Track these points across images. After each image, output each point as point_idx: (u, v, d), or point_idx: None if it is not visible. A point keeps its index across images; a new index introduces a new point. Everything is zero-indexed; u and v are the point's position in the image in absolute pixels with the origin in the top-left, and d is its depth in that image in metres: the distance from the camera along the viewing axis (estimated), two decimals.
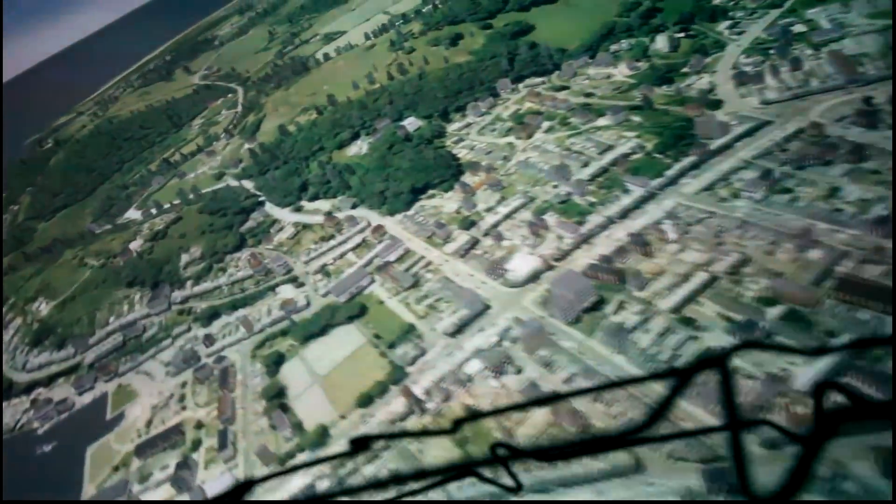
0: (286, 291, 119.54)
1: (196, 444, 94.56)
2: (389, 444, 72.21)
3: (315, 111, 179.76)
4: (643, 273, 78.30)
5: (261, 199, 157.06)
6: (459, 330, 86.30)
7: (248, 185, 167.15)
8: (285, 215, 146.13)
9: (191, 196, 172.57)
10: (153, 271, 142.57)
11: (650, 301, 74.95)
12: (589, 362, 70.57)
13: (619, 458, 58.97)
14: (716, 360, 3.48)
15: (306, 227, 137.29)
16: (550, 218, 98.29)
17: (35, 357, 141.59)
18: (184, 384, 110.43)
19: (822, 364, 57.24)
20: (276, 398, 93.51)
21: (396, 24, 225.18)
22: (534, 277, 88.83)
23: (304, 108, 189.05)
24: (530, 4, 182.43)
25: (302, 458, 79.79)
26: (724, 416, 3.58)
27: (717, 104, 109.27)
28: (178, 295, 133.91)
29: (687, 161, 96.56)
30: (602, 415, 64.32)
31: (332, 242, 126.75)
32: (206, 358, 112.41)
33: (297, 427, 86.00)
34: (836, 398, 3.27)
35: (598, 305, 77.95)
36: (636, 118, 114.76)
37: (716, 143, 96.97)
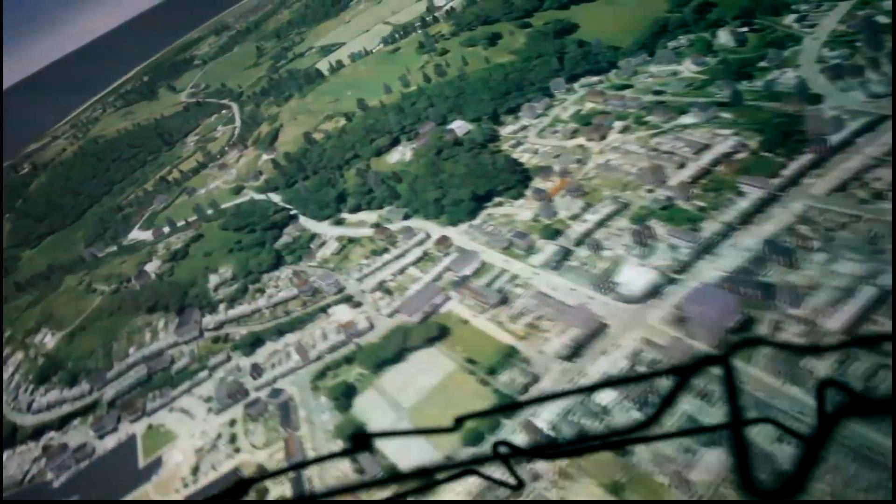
0: (341, 313, 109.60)
1: (262, 493, 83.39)
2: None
3: (343, 117, 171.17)
4: (797, 287, 70.70)
5: (292, 212, 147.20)
6: (576, 353, 77.57)
7: (276, 197, 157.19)
8: (325, 229, 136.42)
9: (210, 212, 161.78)
10: (178, 295, 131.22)
11: (813, 320, 67.21)
12: (759, 394, 62.09)
13: None
14: (718, 358, 3.54)
15: (353, 240, 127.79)
16: (655, 225, 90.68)
17: (42, 396, 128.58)
18: (232, 422, 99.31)
19: None
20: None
21: (416, 25, 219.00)
22: (653, 292, 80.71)
23: (329, 116, 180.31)
24: (569, 2, 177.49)
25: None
26: (727, 414, 3.62)
27: (816, 99, 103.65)
28: (210, 320, 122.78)
29: (804, 159, 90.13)
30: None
31: (387, 256, 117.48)
32: (255, 391, 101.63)
33: (391, 471, 75.81)
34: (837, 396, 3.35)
35: (746, 325, 69.87)
36: (726, 115, 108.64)
37: (834, 140, 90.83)
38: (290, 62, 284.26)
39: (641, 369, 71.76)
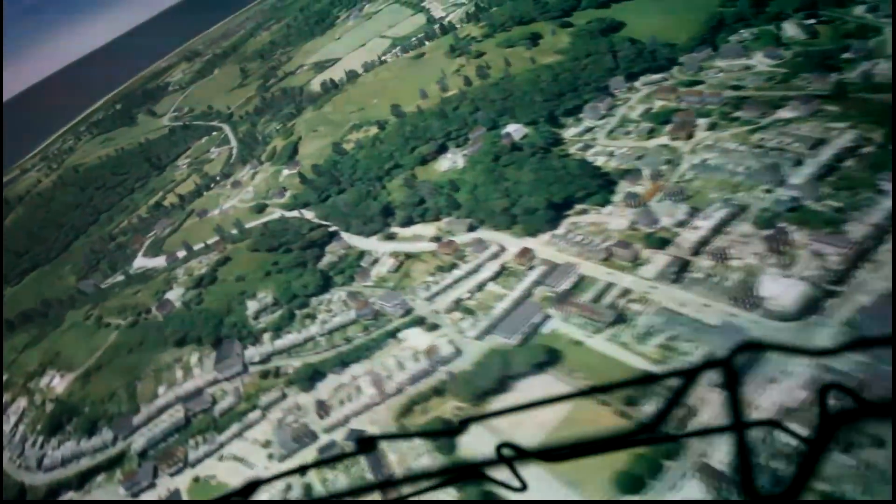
0: (415, 337, 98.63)
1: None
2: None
3: (376, 125, 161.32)
4: None
5: (331, 228, 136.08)
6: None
7: (308, 214, 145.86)
8: (374, 245, 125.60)
9: (233, 232, 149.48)
10: (211, 325, 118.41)
11: None
12: None
13: None
14: (721, 361, 3.62)
15: (411, 256, 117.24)
16: (790, 229, 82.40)
17: (55, 450, 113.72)
18: (302, 471, 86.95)
19: None
20: (474, 485, 72.07)
21: (436, 30, 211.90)
22: (812, 307, 71.94)
23: (356, 125, 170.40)
24: (609, 1, 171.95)
25: None
26: (730, 417, 3.74)
27: None
28: (254, 353, 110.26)
29: None
30: None
31: (458, 272, 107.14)
32: (327, 433, 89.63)
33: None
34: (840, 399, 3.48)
35: None
36: (831, 108, 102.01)
37: None
38: (280, 81, 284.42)
39: (830, 402, 62.48)
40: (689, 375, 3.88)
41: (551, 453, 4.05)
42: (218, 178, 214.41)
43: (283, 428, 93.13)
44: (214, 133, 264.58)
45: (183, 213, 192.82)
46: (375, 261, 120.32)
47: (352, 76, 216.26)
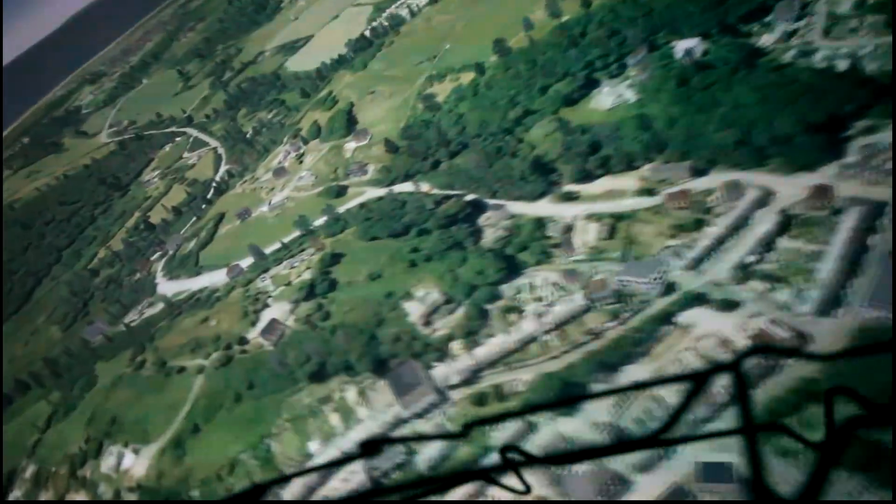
0: (705, 320, 72.77)
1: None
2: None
3: (473, 70, 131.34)
4: None
5: (466, 197, 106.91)
6: None
7: (423, 186, 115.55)
8: (549, 209, 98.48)
9: (317, 223, 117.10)
10: (359, 343, 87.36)
11: None
12: None
13: None
14: (730, 365, 3.77)
15: (622, 217, 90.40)
16: None
17: None
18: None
19: None
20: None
21: None
22: None
23: (434, 76, 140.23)
24: None
25: None
26: (739, 420, 3.84)
27: None
28: (446, 372, 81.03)
29: None
30: None
31: (713, 230, 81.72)
32: (640, 473, 62.48)
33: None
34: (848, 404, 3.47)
35: None
36: None
37: None
38: (239, 72, 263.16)
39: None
40: (699, 380, 3.77)
41: (557, 457, 4.01)
42: (225, 177, 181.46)
43: (575, 477, 64.98)
44: (178, 139, 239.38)
45: (203, 223, 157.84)
46: (569, 228, 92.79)
47: (385, 31, 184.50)
